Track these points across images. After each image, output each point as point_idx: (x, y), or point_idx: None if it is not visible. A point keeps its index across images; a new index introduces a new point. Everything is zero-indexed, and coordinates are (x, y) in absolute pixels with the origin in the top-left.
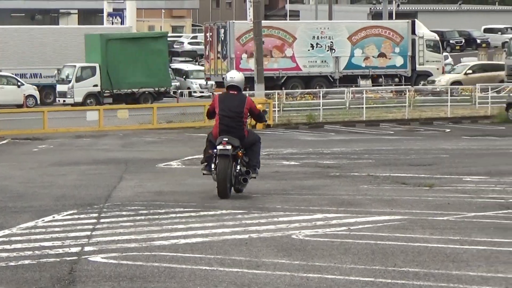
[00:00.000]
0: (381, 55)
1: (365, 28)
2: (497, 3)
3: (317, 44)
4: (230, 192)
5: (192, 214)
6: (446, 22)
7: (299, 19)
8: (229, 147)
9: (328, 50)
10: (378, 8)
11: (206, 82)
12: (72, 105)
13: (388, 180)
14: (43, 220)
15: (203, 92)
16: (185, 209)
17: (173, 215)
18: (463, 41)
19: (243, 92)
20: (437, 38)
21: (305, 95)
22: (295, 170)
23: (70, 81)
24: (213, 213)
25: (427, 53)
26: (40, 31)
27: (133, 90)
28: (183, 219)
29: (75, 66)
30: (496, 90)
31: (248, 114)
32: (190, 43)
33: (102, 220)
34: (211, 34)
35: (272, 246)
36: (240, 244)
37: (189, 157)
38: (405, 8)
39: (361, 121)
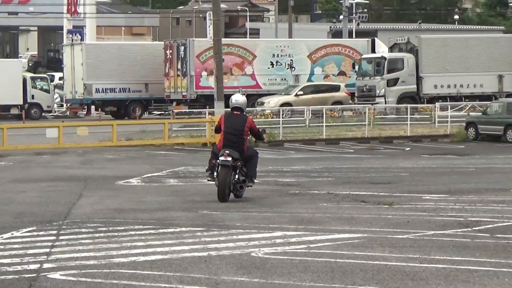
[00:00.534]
0: (341, 73)
1: (325, 47)
2: (456, 22)
3: (277, 62)
4: (229, 197)
5: (152, 231)
6: None
7: (259, 37)
8: (229, 158)
9: (288, 68)
10: (338, 26)
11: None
12: None
13: (348, 198)
14: (1, 237)
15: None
16: (145, 227)
17: (132, 232)
18: None
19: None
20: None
21: (265, 113)
22: (254, 188)
23: None
24: (172, 231)
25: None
26: (129, 47)
27: None
28: (143, 237)
29: None
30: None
31: (249, 132)
32: None
33: (61, 237)
34: (171, 51)
35: (232, 264)
36: (199, 261)
37: (149, 175)
38: (365, 26)
39: (321, 139)
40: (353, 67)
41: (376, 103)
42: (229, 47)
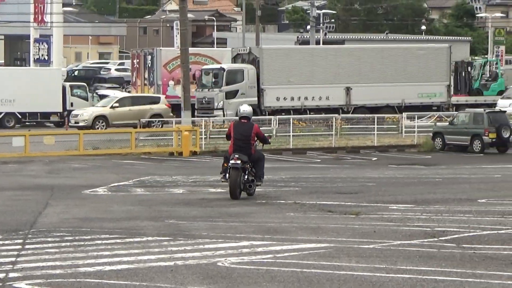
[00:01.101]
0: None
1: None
2: (423, 33)
3: None
4: (240, 195)
5: (118, 240)
6: None
7: (226, 47)
8: (239, 161)
9: None
10: (305, 36)
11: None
12: None
13: (315, 208)
14: None
15: None
16: (111, 236)
17: (99, 241)
18: None
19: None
20: None
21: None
22: (221, 197)
23: None
24: (138, 240)
25: None
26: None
27: None
28: (109, 246)
29: None
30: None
31: (255, 137)
32: (117, 70)
33: (27, 246)
34: (138, 60)
35: (198, 274)
36: (166, 271)
37: (115, 184)
38: (333, 36)
39: (288, 149)
40: (193, 78)
41: (214, 116)
42: (196, 56)
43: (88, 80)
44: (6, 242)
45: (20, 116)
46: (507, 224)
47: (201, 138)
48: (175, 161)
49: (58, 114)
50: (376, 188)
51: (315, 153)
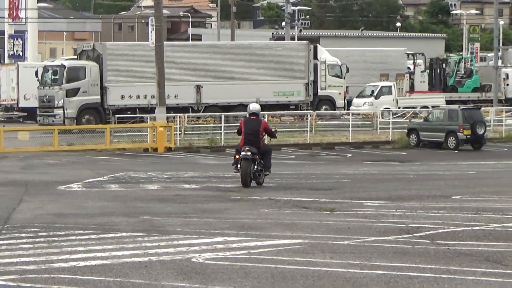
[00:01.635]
0: None
1: None
2: (398, 29)
3: None
4: (250, 183)
5: (92, 236)
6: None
7: None
8: (249, 153)
9: None
10: (280, 33)
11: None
12: None
13: (289, 204)
14: None
15: None
16: (85, 232)
17: (73, 237)
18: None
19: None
20: (339, 63)
21: (207, 119)
22: (196, 194)
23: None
24: (113, 236)
25: (329, 78)
26: None
27: None
28: (83, 242)
29: None
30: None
31: (264, 132)
32: None
33: (0, 242)
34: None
35: (172, 269)
36: (140, 267)
37: (90, 180)
38: (308, 33)
39: None
40: (36, 75)
41: (54, 115)
42: None
43: None
44: None
45: None
46: (481, 221)
47: (176, 134)
48: (150, 157)
49: None
50: (350, 184)
51: (289, 149)
